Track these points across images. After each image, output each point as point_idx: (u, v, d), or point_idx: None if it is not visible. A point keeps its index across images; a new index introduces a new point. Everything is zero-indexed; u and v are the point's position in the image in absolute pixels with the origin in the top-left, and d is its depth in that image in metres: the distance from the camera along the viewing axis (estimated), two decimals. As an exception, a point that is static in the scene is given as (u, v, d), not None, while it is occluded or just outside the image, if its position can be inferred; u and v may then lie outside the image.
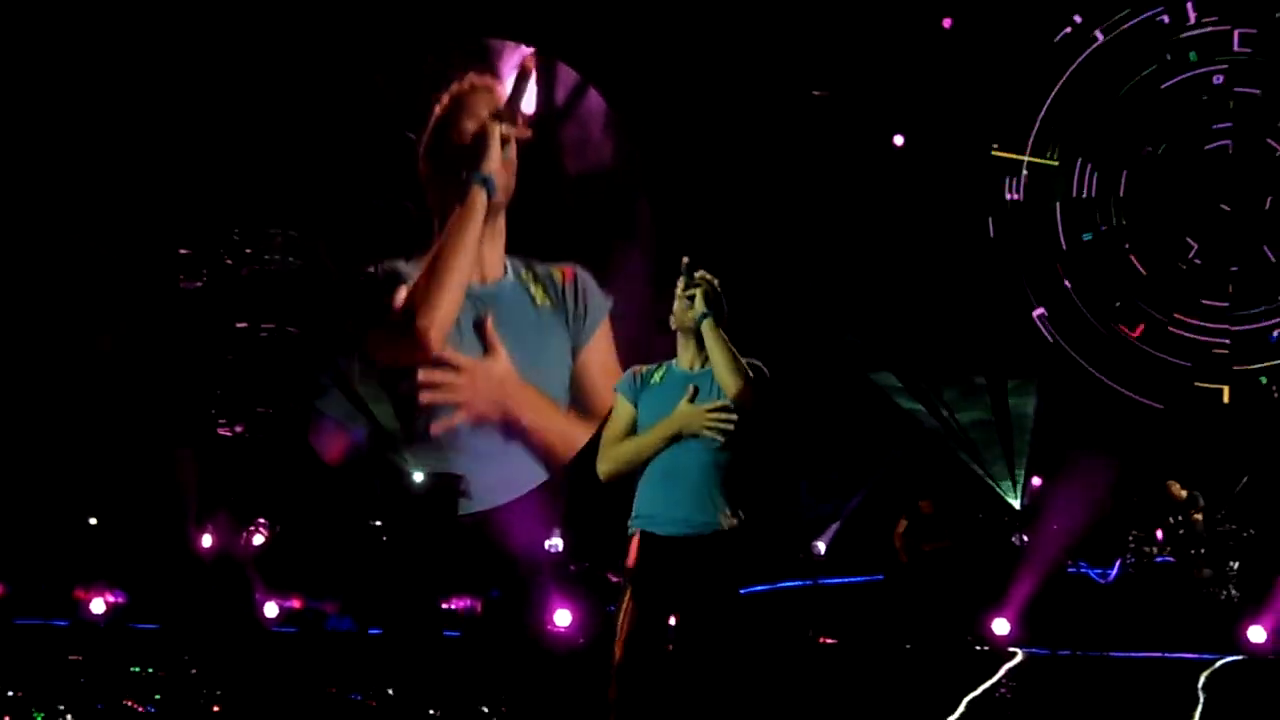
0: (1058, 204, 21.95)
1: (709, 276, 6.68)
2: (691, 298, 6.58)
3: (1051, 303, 21.84)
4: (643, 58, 20.27)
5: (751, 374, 6.45)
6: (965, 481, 20.44)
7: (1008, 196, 21.95)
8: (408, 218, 19.52)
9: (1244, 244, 21.28)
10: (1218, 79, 21.60)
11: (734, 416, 6.49)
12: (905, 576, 16.87)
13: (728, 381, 6.41)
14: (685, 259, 6.72)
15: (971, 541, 17.82)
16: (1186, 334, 21.50)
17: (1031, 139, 21.98)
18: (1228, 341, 21.35)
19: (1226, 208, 21.35)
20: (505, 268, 19.55)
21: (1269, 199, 21.13)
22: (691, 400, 6.52)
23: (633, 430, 6.65)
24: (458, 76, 19.87)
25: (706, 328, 6.48)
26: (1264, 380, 21.10)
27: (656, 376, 6.77)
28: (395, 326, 19.08)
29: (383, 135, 19.55)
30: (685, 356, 6.72)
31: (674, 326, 6.76)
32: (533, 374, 19.55)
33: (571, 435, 19.21)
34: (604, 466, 6.69)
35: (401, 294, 19.11)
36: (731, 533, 6.39)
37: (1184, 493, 17.93)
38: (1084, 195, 21.93)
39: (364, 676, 11.39)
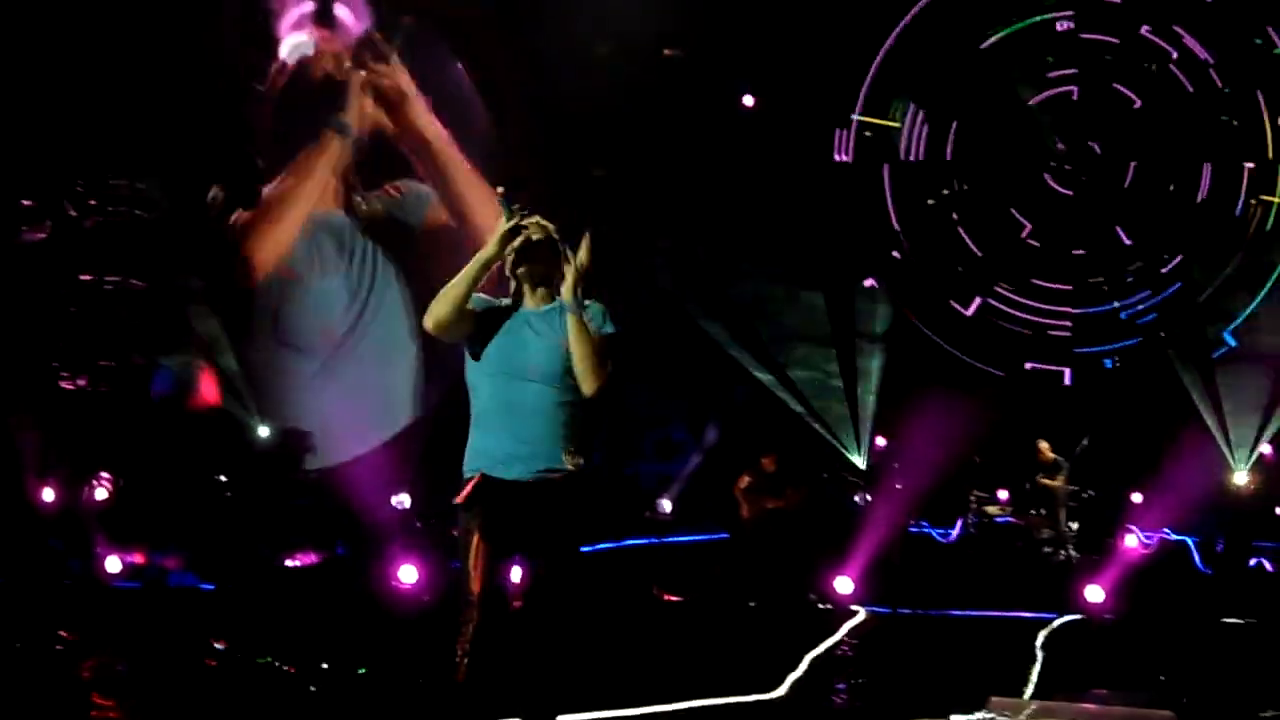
0: (886, 166, 22.08)
1: (544, 223, 6.51)
2: (515, 231, 6.36)
3: (884, 273, 22.00)
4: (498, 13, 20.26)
5: (608, 366, 6.33)
6: (809, 441, 20.64)
7: (837, 158, 22.04)
8: (253, 168, 19.61)
9: (1090, 225, 21.50)
10: (1062, 25, 21.73)
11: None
12: (747, 533, 16.93)
13: (587, 381, 6.25)
14: (500, 190, 6.51)
15: (814, 500, 17.95)
16: (1022, 314, 21.75)
17: (862, 97, 22.05)
18: (1069, 324, 21.60)
19: (1068, 191, 21.56)
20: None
21: (1131, 167, 21.36)
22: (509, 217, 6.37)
23: (471, 318, 6.38)
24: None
25: (573, 323, 6.32)
26: (1109, 364, 21.42)
27: (504, 306, 6.56)
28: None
29: (226, 85, 19.48)
30: (530, 299, 6.49)
31: (510, 275, 6.54)
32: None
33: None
34: (431, 313, 6.29)
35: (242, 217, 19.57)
36: (576, 476, 6.33)
37: (1052, 455, 18.20)
38: (913, 159, 22.02)
39: (207, 633, 11.30)
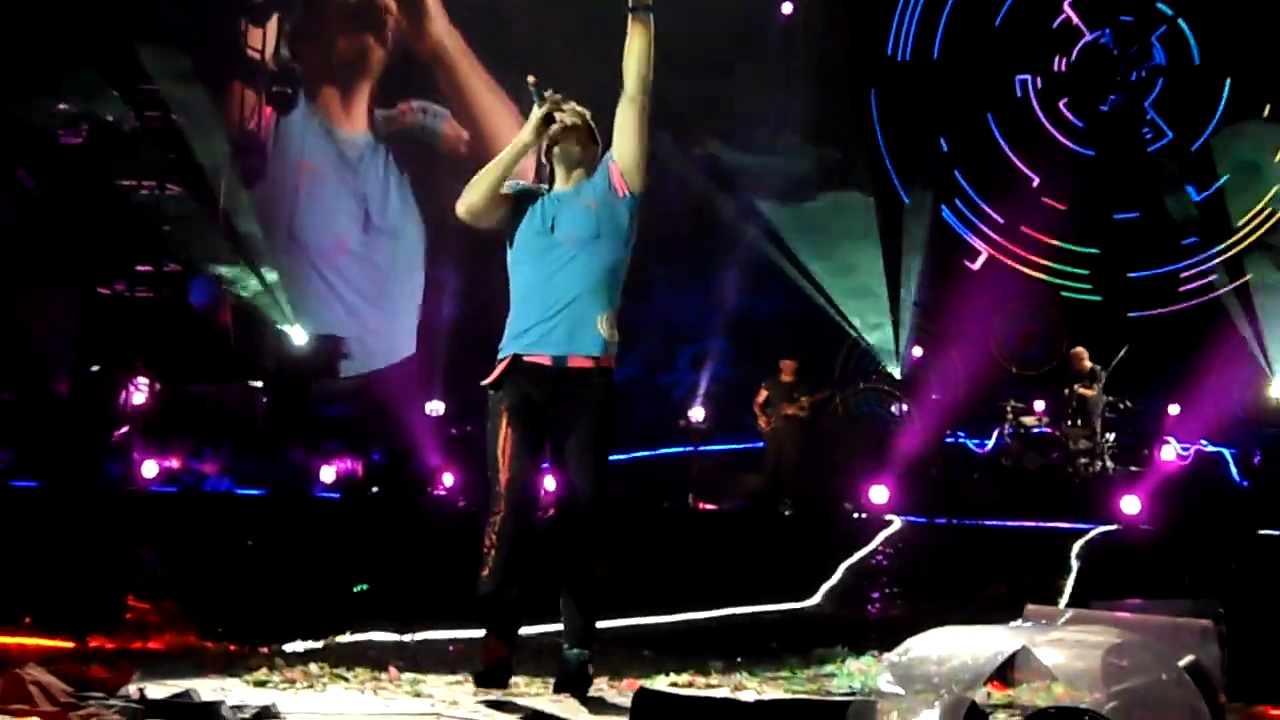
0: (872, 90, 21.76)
1: (578, 108, 6.40)
2: (549, 117, 6.32)
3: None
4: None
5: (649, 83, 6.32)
6: (846, 349, 20.62)
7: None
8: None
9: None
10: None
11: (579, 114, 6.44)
12: (768, 444, 16.89)
13: (643, 74, 6.28)
14: (531, 79, 6.44)
15: (830, 405, 17.87)
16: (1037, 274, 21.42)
17: None
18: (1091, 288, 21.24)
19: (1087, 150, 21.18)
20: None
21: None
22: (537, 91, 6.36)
23: (504, 204, 6.39)
24: None
25: (641, 27, 6.26)
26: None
27: (539, 190, 6.49)
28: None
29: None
30: (561, 179, 6.46)
31: (545, 160, 6.52)
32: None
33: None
34: (464, 199, 6.36)
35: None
36: (610, 354, 6.25)
37: (1089, 364, 17.99)
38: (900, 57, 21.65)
39: (245, 538, 11.32)
